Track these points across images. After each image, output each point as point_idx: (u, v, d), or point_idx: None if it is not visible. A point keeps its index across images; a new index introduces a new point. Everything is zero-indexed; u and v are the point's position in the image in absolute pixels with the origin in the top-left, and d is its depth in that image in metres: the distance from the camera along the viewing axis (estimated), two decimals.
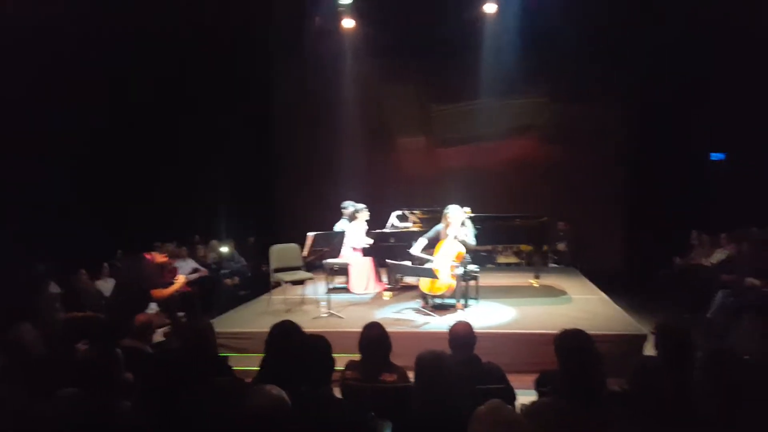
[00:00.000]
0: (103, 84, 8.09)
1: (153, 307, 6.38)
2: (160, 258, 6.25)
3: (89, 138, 8.05)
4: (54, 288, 6.06)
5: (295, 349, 2.93)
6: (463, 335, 3.27)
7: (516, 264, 10.68)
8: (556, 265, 10.41)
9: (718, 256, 8.17)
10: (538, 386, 3.18)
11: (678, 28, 8.93)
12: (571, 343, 2.53)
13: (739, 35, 8.32)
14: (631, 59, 10.21)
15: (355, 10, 9.90)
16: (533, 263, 9.64)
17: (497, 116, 11.09)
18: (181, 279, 6.44)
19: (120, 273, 6.94)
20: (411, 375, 2.97)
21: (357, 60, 10.90)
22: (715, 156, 10.75)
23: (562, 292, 7.56)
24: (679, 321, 3.06)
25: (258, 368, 3.19)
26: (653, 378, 2.73)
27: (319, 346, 2.68)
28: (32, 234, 6.91)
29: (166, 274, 7.24)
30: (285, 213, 11.78)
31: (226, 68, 9.87)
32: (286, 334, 3.12)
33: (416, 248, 6.53)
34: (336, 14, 10.06)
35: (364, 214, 7.76)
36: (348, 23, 10.17)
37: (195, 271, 8.46)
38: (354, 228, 7.68)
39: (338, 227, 7.83)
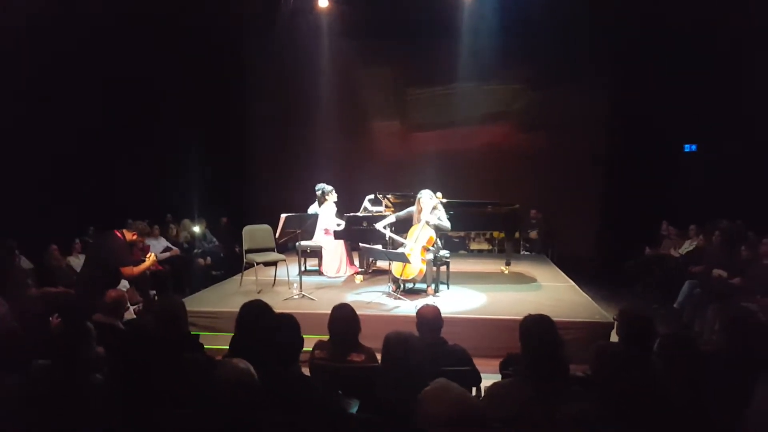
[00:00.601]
0: (76, 63, 7.94)
1: (125, 285, 6.33)
2: (130, 236, 6.17)
3: (63, 115, 7.92)
4: (25, 263, 5.97)
5: (264, 327, 2.96)
6: (429, 318, 3.33)
7: (488, 251, 10.80)
8: (527, 253, 10.56)
9: (687, 247, 8.39)
10: (503, 368, 3.26)
11: (654, 19, 9.05)
12: (534, 326, 2.59)
13: (713, 28, 8.44)
14: (609, 48, 10.28)
15: None
16: (505, 250, 9.80)
17: (473, 102, 11.07)
18: (152, 257, 6.38)
19: (89, 249, 6.85)
20: (380, 357, 3.04)
21: (332, 41, 10.80)
22: (688, 147, 10.98)
23: (532, 280, 7.67)
24: (641, 308, 3.13)
25: (228, 347, 3.23)
26: (614, 363, 2.82)
27: (288, 325, 2.71)
28: (2, 209, 6.81)
29: (137, 251, 7.20)
30: (258, 194, 11.70)
31: (199, 47, 9.71)
32: (256, 313, 3.15)
33: (382, 223, 6.56)
34: None
35: (332, 196, 7.74)
36: (323, 2, 10.06)
37: (167, 249, 8.44)
38: (324, 211, 7.67)
39: (312, 210, 7.83)
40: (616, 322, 3.26)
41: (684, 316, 6.60)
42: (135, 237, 6.21)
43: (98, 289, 4.89)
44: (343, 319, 3.14)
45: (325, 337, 3.30)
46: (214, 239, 9.80)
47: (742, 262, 6.68)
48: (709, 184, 9.02)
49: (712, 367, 2.47)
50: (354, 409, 2.57)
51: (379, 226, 6.57)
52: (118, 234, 6.03)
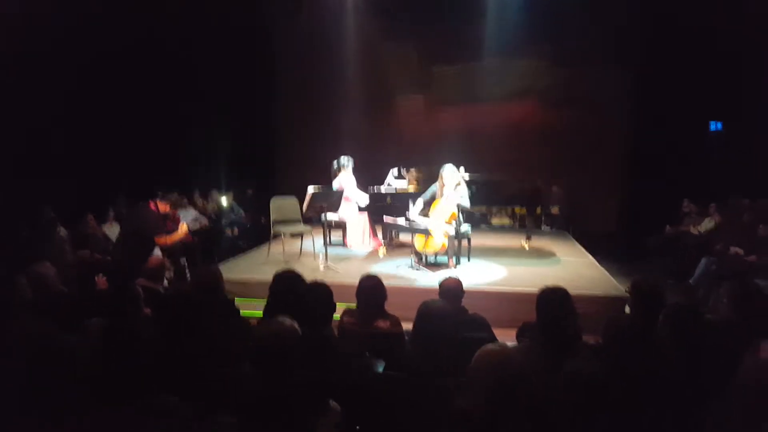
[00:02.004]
0: (102, 35, 8.10)
1: (158, 254, 6.63)
2: (163, 207, 6.46)
3: (91, 88, 8.15)
4: (62, 231, 6.28)
5: (297, 294, 3.20)
6: (452, 288, 3.53)
7: (509, 226, 10.91)
8: (548, 228, 10.66)
9: (706, 225, 8.44)
10: (519, 336, 3.46)
11: None
12: (550, 296, 2.77)
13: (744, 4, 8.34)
14: (635, 24, 10.17)
15: None
16: (526, 226, 9.93)
17: (498, 78, 11.10)
18: (184, 227, 6.67)
19: (125, 220, 7.17)
20: (404, 324, 3.26)
21: (358, 17, 10.93)
22: (714, 125, 10.89)
23: (552, 254, 7.80)
24: (652, 280, 3.28)
25: (259, 312, 3.49)
26: (622, 332, 2.99)
27: (321, 291, 2.94)
28: (37, 179, 7.12)
29: (169, 222, 7.52)
30: (282, 166, 11.95)
31: (226, 22, 9.83)
32: (288, 281, 3.38)
33: (414, 211, 6.74)
34: None
35: (349, 166, 7.86)
36: None
37: (196, 220, 8.72)
38: (342, 180, 7.81)
39: (336, 184, 7.98)
40: (628, 294, 3.42)
41: (699, 292, 6.71)
42: (168, 209, 6.49)
43: (134, 257, 5.20)
44: (370, 288, 3.34)
45: (351, 305, 3.53)
46: (241, 210, 10.07)
47: (758, 239, 6.75)
48: (733, 161, 8.97)
49: (713, 336, 2.64)
50: (380, 368, 2.80)
51: (412, 216, 6.72)
52: (152, 205, 6.31)
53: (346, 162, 7.80)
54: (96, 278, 4.04)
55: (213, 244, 8.55)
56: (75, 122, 8.04)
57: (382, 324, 3.25)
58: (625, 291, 5.25)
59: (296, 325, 2.07)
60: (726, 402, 2.03)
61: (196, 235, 8.28)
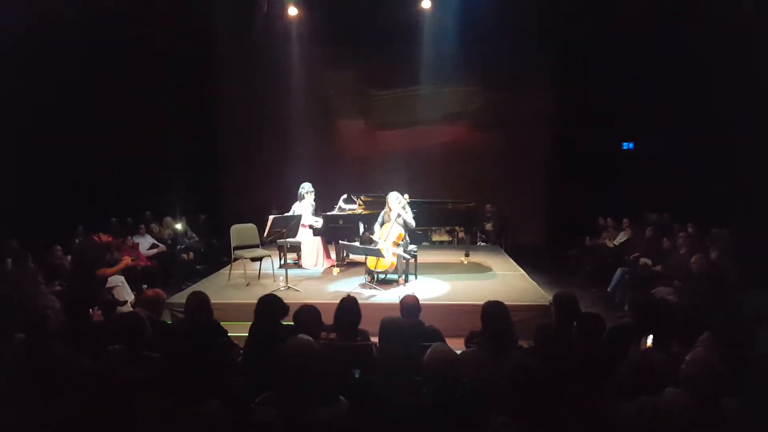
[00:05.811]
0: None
1: (121, 280, 6.98)
2: (105, 238, 6.83)
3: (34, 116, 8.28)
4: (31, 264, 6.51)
5: (280, 314, 3.81)
6: (411, 305, 4.18)
7: (448, 242, 11.72)
8: (483, 244, 11.55)
9: (621, 238, 9.52)
10: (467, 343, 4.16)
11: (597, 26, 10.05)
12: (492, 310, 3.48)
13: (658, 32, 9.42)
14: (556, 53, 11.33)
15: None
16: (463, 242, 10.82)
17: (432, 103, 12.05)
18: (126, 260, 6.96)
19: (72, 253, 7.32)
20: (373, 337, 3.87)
21: (301, 46, 11.55)
22: (626, 145, 12.17)
23: (488, 269, 8.60)
24: (569, 293, 4.06)
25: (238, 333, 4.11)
26: (547, 337, 3.75)
27: (312, 312, 3.54)
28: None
29: (125, 249, 7.89)
30: (232, 192, 12.41)
31: (170, 48, 10.13)
32: (271, 303, 3.93)
33: (377, 235, 7.38)
34: (281, 1, 10.65)
35: (310, 197, 8.41)
36: (293, 10, 10.77)
37: (154, 246, 9.07)
38: (302, 208, 8.38)
39: (295, 207, 8.46)
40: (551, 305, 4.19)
41: (616, 298, 7.64)
42: (111, 239, 6.92)
43: (84, 288, 5.67)
44: (350, 309, 3.92)
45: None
46: (194, 235, 10.42)
47: (663, 251, 7.79)
48: (643, 179, 10.13)
49: (610, 335, 3.44)
50: (356, 375, 3.42)
51: (376, 237, 7.36)
52: (95, 238, 6.70)
53: (305, 193, 8.36)
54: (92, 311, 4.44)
55: (171, 269, 8.91)
56: (31, 152, 8.16)
57: (355, 339, 3.87)
58: (549, 303, 6.09)
59: (312, 341, 2.67)
60: (615, 381, 2.79)
61: (155, 260, 8.67)
